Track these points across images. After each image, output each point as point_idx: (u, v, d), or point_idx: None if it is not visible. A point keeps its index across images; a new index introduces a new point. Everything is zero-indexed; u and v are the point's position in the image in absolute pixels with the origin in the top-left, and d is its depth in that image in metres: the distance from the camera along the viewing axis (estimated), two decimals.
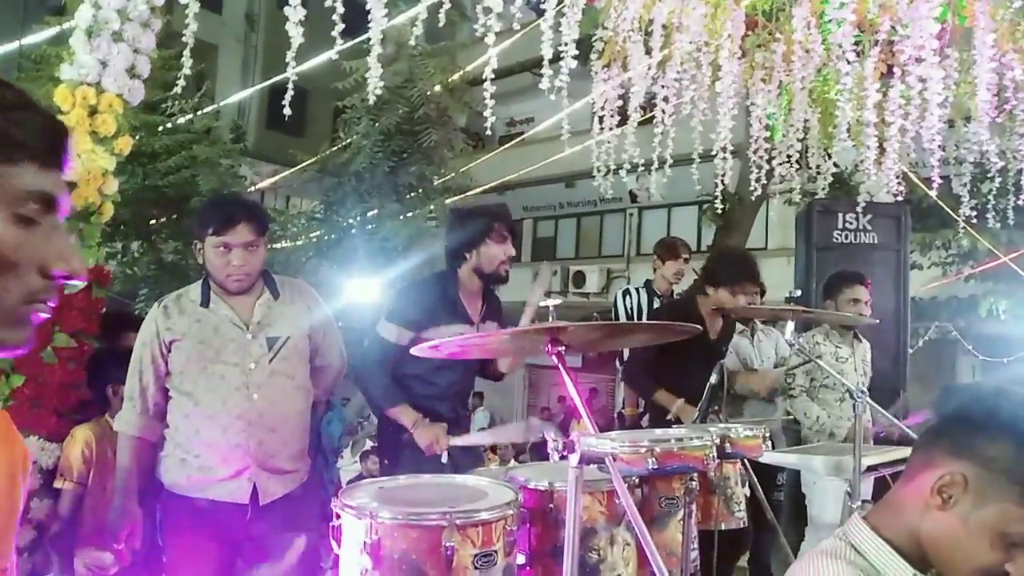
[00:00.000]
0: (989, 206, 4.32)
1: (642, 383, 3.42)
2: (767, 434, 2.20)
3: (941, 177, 3.44)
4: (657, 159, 3.53)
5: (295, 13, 2.16)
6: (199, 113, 6.10)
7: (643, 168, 3.56)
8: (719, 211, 4.24)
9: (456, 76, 5.76)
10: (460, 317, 2.57)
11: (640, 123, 3.47)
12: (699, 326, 1.82)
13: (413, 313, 2.53)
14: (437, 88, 5.78)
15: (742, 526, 2.32)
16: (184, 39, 2.30)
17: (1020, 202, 3.89)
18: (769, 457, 2.43)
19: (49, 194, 0.71)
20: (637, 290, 4.47)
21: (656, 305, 4.19)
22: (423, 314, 2.52)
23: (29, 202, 0.69)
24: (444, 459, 2.46)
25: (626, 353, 4.28)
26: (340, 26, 2.26)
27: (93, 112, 2.68)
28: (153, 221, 6.01)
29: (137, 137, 4.96)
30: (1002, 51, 3.09)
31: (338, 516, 1.60)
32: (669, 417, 3.12)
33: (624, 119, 3.53)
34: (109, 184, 2.77)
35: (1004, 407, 1.10)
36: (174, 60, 2.49)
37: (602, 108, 3.52)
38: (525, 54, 2.61)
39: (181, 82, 2.34)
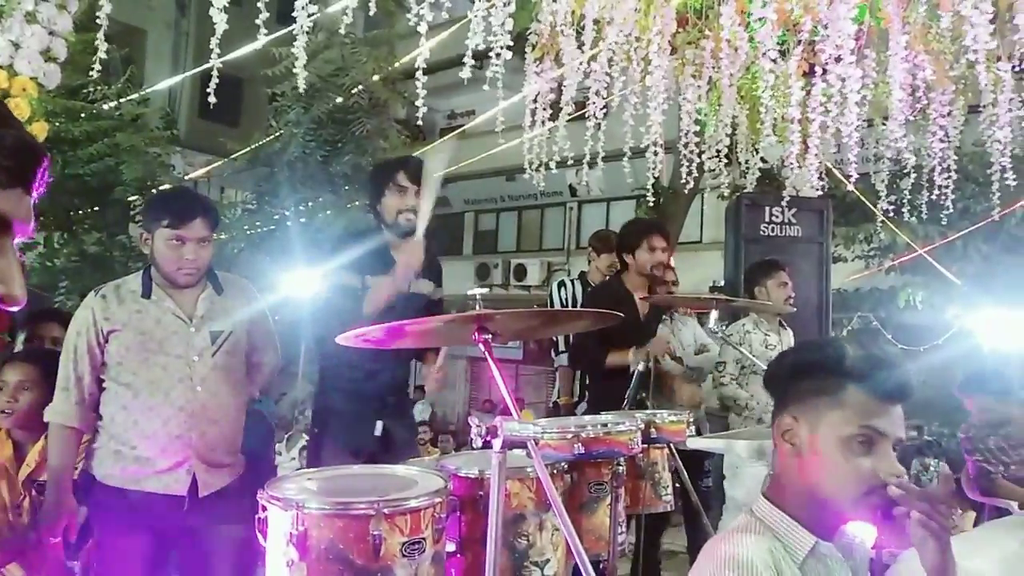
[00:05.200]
0: (905, 201, 4.54)
1: (590, 361, 3.48)
2: (692, 420, 2.27)
3: (861, 173, 3.59)
4: (590, 154, 3.57)
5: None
6: (125, 100, 5.86)
7: (574, 163, 3.61)
8: (651, 204, 4.32)
9: (392, 67, 5.70)
10: (391, 270, 2.55)
11: (573, 118, 3.51)
12: (625, 306, 1.86)
13: (354, 263, 2.52)
14: (375, 78, 5.71)
15: (670, 509, 2.40)
16: (98, 21, 2.21)
17: (933, 197, 4.07)
18: (695, 442, 2.51)
19: (1, 215, 0.67)
20: (572, 281, 4.54)
21: (593, 288, 4.26)
22: (359, 265, 2.51)
23: None
24: (378, 431, 2.45)
25: (561, 344, 4.35)
26: (265, 14, 2.22)
27: (5, 96, 2.56)
28: (75, 211, 5.76)
29: (56, 123, 4.75)
30: (915, 52, 3.24)
31: (264, 508, 1.58)
32: (632, 368, 3.14)
33: (557, 114, 3.57)
34: None
35: (790, 357, 1.38)
36: (98, 44, 2.39)
37: (535, 102, 3.55)
38: (465, 46, 2.61)
39: (96, 66, 2.24)
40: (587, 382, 3.97)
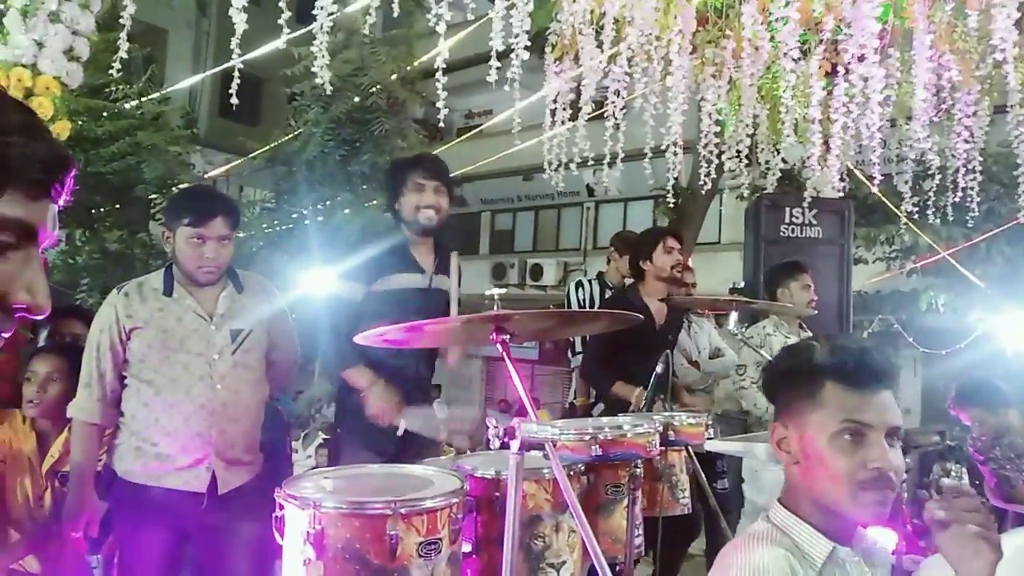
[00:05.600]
0: (929, 203, 4.48)
1: (599, 379, 3.49)
2: (710, 422, 2.25)
3: (884, 175, 3.55)
4: (609, 153, 3.56)
5: None
6: (146, 99, 5.92)
7: (594, 163, 3.59)
8: (671, 205, 4.30)
9: (411, 67, 5.71)
10: (412, 267, 2.57)
11: (592, 118, 3.49)
12: (642, 315, 1.85)
13: (363, 266, 2.52)
14: (393, 77, 5.73)
15: (687, 512, 2.38)
16: (121, 21, 2.23)
17: (957, 199, 4.02)
18: (713, 445, 2.48)
19: (28, 224, 0.68)
20: (590, 282, 4.53)
21: (608, 296, 4.26)
22: (373, 266, 2.51)
23: (4, 230, 0.66)
24: (400, 431, 2.46)
25: (578, 344, 4.33)
26: (287, 14, 2.22)
27: (28, 95, 2.59)
28: (96, 209, 5.83)
29: (79, 122, 4.80)
30: (940, 52, 3.19)
31: (281, 507, 1.58)
32: (632, 409, 3.16)
33: (577, 113, 3.56)
34: None
35: (776, 365, 1.36)
36: (120, 43, 2.41)
37: (554, 102, 3.54)
38: (483, 46, 2.61)
39: (117, 65, 2.26)
40: None
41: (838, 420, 1.18)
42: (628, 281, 4.29)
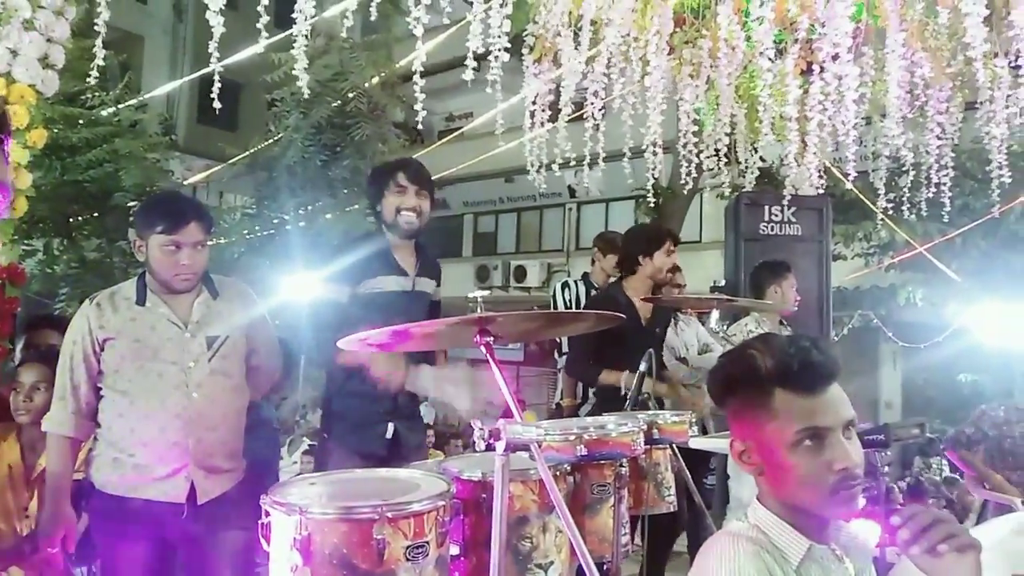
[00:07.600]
0: (905, 199, 4.54)
1: (585, 372, 3.49)
2: (694, 420, 2.27)
3: (860, 171, 3.59)
4: (589, 154, 3.57)
5: (215, 1, 2.10)
6: (122, 106, 5.87)
7: (575, 164, 3.61)
8: (652, 205, 4.33)
9: (390, 71, 5.71)
10: (394, 269, 2.56)
11: (572, 119, 3.50)
12: (626, 313, 1.86)
13: (347, 269, 2.50)
14: (375, 80, 5.73)
15: (672, 510, 2.39)
16: (96, 28, 2.21)
17: (932, 194, 4.07)
18: (698, 442, 2.50)
19: None
20: (576, 282, 4.55)
21: (594, 295, 4.27)
22: (357, 269, 2.50)
23: None
24: (388, 434, 2.45)
25: (564, 346, 4.35)
26: (265, 18, 2.21)
27: (3, 103, 2.56)
28: (74, 218, 5.77)
29: (55, 130, 4.76)
30: (912, 50, 3.24)
31: (267, 513, 1.58)
32: (623, 393, 3.16)
33: (556, 115, 3.57)
34: (22, 178, 2.65)
35: (720, 371, 1.30)
36: (95, 51, 2.38)
37: (534, 103, 3.55)
38: (463, 49, 2.62)
39: (94, 72, 2.23)
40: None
41: (795, 429, 1.16)
42: (613, 280, 4.32)
